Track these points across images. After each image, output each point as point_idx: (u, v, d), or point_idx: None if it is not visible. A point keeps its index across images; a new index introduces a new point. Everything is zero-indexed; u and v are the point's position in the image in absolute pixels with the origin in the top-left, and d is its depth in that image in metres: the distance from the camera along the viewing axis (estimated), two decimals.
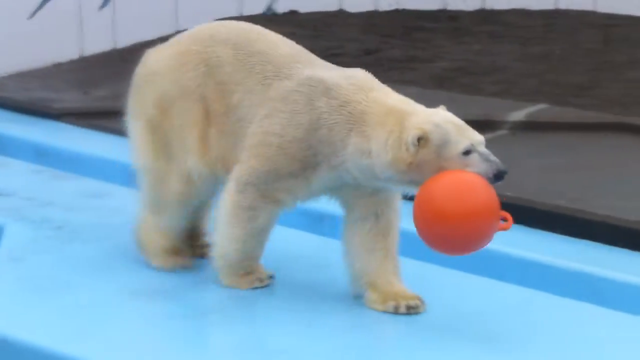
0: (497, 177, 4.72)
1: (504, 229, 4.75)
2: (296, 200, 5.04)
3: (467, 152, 4.74)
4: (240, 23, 5.33)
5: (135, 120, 5.35)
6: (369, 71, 5.27)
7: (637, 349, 4.96)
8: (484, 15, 13.16)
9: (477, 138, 4.79)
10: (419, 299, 5.06)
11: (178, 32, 5.64)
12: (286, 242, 5.71)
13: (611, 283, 5.59)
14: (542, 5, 13.21)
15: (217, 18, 11.34)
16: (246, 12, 12.32)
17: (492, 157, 4.75)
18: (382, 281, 5.06)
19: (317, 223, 6.11)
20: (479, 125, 7.94)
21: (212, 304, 5.35)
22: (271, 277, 5.26)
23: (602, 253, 6.07)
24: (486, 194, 4.73)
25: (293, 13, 12.80)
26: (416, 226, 4.80)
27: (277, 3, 12.79)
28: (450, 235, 4.76)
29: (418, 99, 8.63)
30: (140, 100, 5.31)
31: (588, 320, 5.24)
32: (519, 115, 8.36)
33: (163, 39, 5.61)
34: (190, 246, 5.57)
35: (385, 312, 5.06)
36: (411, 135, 4.71)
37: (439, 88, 9.86)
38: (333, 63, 5.21)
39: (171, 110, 5.20)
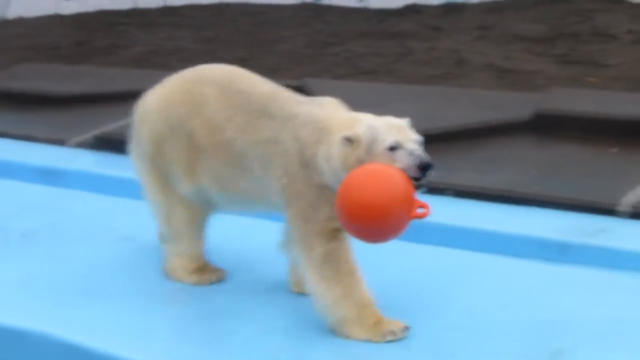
0: (421, 168, 4.10)
1: (419, 217, 4.06)
2: None
3: (392, 148, 4.13)
4: (226, 66, 4.73)
5: (139, 160, 4.83)
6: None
7: None
8: (167, 10, 13.48)
9: (407, 137, 4.19)
10: None
11: None
12: None
13: None
14: (210, 0, 13.54)
15: None
16: None
17: (417, 152, 4.13)
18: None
19: None
20: None
21: None
22: (407, 328, 4.30)
23: None
24: (393, 184, 4.06)
25: (21, 18, 12.84)
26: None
27: (9, 10, 12.67)
28: (354, 221, 4.09)
29: (122, 78, 8.86)
30: (139, 138, 4.81)
31: None
32: None
33: None
34: None
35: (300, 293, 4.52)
36: (341, 136, 4.21)
37: (137, 67, 10.00)
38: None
39: (164, 146, 4.68)
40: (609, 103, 7.40)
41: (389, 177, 4.08)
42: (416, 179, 4.11)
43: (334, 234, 4.28)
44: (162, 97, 4.70)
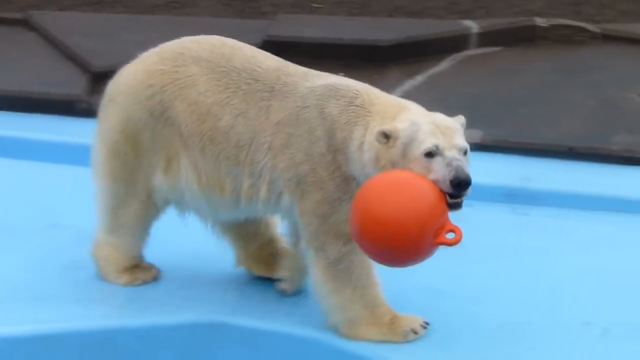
0: (454, 185, 3.45)
1: (448, 244, 3.42)
2: None
3: (429, 154, 3.51)
4: (210, 37, 4.02)
5: (100, 142, 4.11)
6: None
7: None
8: None
9: (451, 142, 3.54)
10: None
11: None
12: None
13: None
14: None
15: None
16: None
17: (455, 163, 3.48)
18: None
19: None
20: None
21: None
22: (426, 324, 3.91)
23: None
24: (418, 200, 3.41)
25: None
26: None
27: None
28: (370, 239, 3.47)
29: None
30: (106, 120, 4.08)
31: None
32: None
33: None
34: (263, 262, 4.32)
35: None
36: (378, 130, 3.61)
37: None
38: None
39: (137, 137, 3.99)
40: (333, 28, 7.66)
41: (415, 190, 3.44)
42: (451, 196, 3.49)
43: (350, 236, 3.69)
44: (137, 78, 4.01)
